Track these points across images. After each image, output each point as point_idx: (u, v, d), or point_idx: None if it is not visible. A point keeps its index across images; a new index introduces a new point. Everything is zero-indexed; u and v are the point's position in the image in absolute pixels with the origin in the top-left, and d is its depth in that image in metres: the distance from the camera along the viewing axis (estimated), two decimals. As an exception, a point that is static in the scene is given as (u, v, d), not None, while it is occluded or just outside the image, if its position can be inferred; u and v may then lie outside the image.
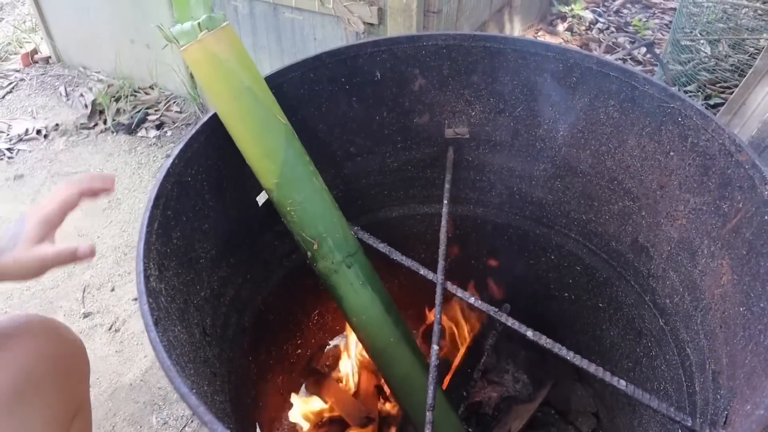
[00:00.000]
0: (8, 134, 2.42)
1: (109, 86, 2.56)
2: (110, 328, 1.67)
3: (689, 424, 0.71)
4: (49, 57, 2.87)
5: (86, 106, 2.53)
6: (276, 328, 1.23)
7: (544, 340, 0.80)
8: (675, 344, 0.97)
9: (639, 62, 2.80)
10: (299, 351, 1.38)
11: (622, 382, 0.75)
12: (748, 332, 0.72)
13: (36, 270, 0.78)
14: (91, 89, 2.61)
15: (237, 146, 0.86)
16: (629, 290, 1.10)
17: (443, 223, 0.99)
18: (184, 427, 1.45)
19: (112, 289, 1.77)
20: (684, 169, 0.88)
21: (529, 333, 0.81)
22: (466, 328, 1.40)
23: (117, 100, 2.50)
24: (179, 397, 1.51)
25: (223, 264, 0.98)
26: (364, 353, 1.44)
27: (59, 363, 0.88)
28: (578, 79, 0.96)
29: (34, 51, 2.92)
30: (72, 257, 0.80)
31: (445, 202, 1.03)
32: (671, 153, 0.89)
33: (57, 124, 2.46)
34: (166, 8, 2.22)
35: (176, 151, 0.81)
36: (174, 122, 2.41)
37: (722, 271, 0.82)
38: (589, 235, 1.14)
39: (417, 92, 1.09)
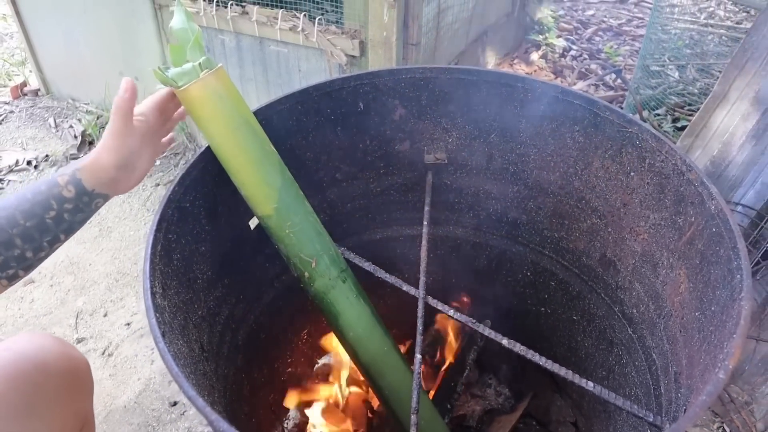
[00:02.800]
0: (-2, 165, 2.46)
1: (98, 117, 2.62)
2: (104, 353, 1.70)
3: (651, 420, 0.78)
4: (38, 89, 2.93)
5: (76, 137, 2.59)
6: (267, 346, 1.29)
7: (519, 348, 0.86)
8: (642, 351, 1.04)
9: (611, 87, 2.92)
10: (289, 369, 1.43)
11: (590, 384, 0.82)
12: (702, 334, 0.80)
13: (120, 118, 0.82)
14: (80, 120, 2.67)
15: (233, 178, 0.92)
16: (600, 302, 1.17)
17: (424, 242, 1.06)
18: (178, 447, 1.49)
19: (105, 315, 1.81)
20: (643, 188, 0.96)
21: (505, 341, 0.88)
22: (448, 344, 1.46)
23: (101, 128, 2.56)
24: (172, 419, 1.55)
25: (219, 284, 1.04)
26: (350, 372, 1.50)
27: (67, 379, 0.93)
28: (545, 107, 1.05)
29: (24, 83, 2.98)
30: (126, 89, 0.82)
31: (425, 223, 1.10)
32: (632, 173, 0.97)
33: (47, 155, 2.51)
34: (154, 41, 2.29)
35: (176, 179, 0.87)
36: (162, 153, 2.47)
37: (680, 281, 0.90)
38: (562, 251, 1.22)
39: (398, 121, 1.16)
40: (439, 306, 0.95)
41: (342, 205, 1.26)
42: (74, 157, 2.50)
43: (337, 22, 1.86)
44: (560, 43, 3.22)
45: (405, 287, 0.98)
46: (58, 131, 2.68)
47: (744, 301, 0.66)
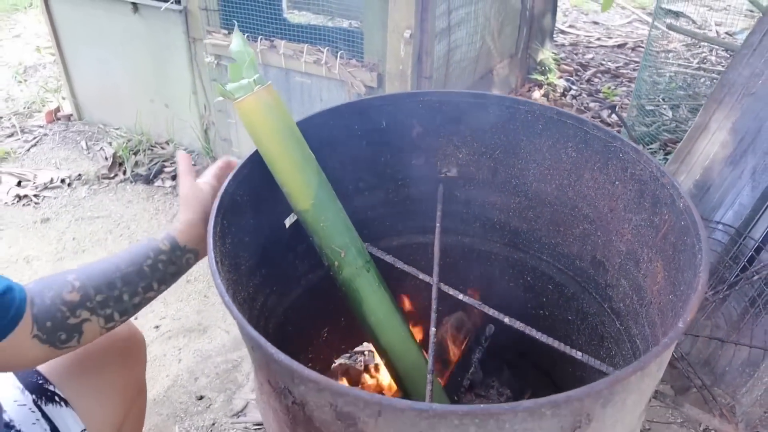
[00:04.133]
0: (34, 182, 2.64)
1: (128, 141, 2.81)
2: (135, 352, 1.84)
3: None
4: (71, 115, 3.13)
5: (106, 158, 2.77)
6: (293, 339, 1.42)
7: (518, 324, 1.01)
8: (628, 340, 1.19)
9: (608, 124, 3.11)
10: (309, 365, 1.57)
11: (579, 353, 0.97)
12: (674, 312, 0.94)
13: (186, 182, 1.03)
14: (110, 143, 2.86)
15: (277, 177, 1.08)
16: (591, 301, 1.31)
17: (436, 242, 1.21)
18: (204, 436, 1.61)
19: (136, 318, 1.96)
20: (626, 194, 1.12)
21: (506, 320, 1.03)
22: (455, 345, 1.60)
23: (135, 153, 2.75)
24: (199, 411, 1.67)
25: (257, 273, 1.19)
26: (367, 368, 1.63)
27: (128, 347, 1.08)
28: (543, 126, 1.22)
29: (57, 109, 3.18)
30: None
31: (438, 224, 1.26)
32: (616, 182, 1.13)
33: (79, 174, 2.69)
34: (186, 71, 2.49)
35: (231, 174, 1.03)
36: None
37: (658, 271, 1.05)
38: (558, 256, 1.37)
39: (415, 138, 1.33)
40: (450, 291, 1.10)
41: (363, 213, 1.41)
42: (105, 177, 2.68)
43: (357, 56, 2.05)
44: (561, 83, 3.43)
45: (421, 275, 1.13)
46: (89, 153, 2.87)
47: (702, 273, 0.81)
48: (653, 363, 0.72)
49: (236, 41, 1.07)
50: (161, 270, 0.94)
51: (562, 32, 4.24)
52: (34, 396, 0.97)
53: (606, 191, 1.17)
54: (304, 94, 2.20)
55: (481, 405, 0.65)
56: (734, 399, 1.56)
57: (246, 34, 2.19)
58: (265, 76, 2.24)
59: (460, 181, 1.39)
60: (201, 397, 1.72)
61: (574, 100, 3.31)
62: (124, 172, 2.69)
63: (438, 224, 1.26)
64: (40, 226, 2.39)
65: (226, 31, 2.26)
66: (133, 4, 2.48)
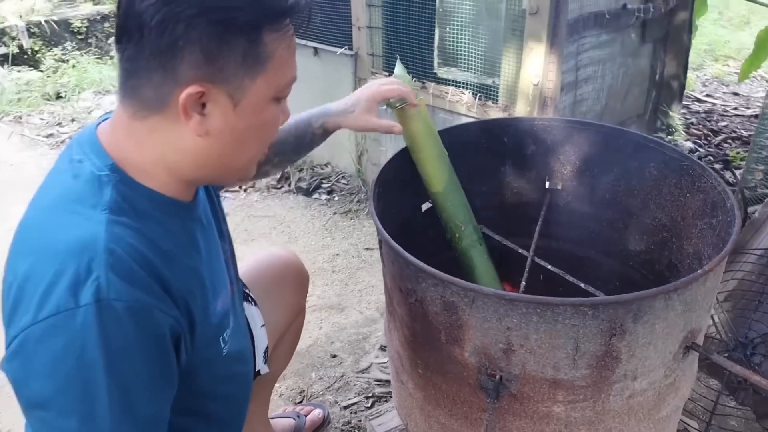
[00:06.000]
0: (220, 187, 3.27)
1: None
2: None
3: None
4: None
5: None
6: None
7: (591, 289, 1.31)
8: (691, 329, 1.42)
9: (730, 184, 3.22)
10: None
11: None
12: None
13: (365, 128, 1.36)
14: (280, 163, 3.46)
15: (419, 165, 1.48)
16: (666, 300, 1.56)
17: (537, 228, 1.54)
18: (334, 383, 2.01)
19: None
20: (694, 204, 1.38)
21: (582, 285, 1.33)
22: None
23: (300, 171, 3.31)
24: (332, 365, 2.07)
25: (397, 242, 1.58)
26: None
27: (299, 277, 1.51)
28: (632, 150, 1.52)
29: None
30: (389, 129, 1.38)
31: (540, 221, 1.58)
32: (687, 194, 1.40)
33: (253, 184, 3.29)
34: (349, 106, 3.02)
35: (387, 159, 1.44)
36: (341, 191, 3.16)
37: (714, 264, 1.30)
38: (642, 262, 1.63)
39: (529, 155, 1.68)
40: (542, 263, 1.42)
41: (481, 212, 1.76)
42: (273, 187, 3.26)
43: (493, 98, 2.45)
44: (686, 144, 3.59)
45: (520, 250, 1.46)
46: (262, 169, 3.48)
47: (730, 244, 1.08)
48: (675, 294, 1.01)
49: (398, 68, 1.50)
50: (316, 141, 1.36)
51: (698, 100, 4.37)
52: (235, 295, 1.41)
53: (679, 203, 1.44)
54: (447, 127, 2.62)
55: (542, 297, 0.98)
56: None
57: (402, 77, 2.67)
58: (413, 111, 2.70)
59: (563, 193, 1.70)
60: (334, 356, 2.12)
61: (699, 161, 3.45)
62: (289, 185, 3.25)
63: (540, 221, 1.59)
64: (222, 218, 2.99)
65: (387, 73, 2.76)
66: (315, 49, 3.07)
